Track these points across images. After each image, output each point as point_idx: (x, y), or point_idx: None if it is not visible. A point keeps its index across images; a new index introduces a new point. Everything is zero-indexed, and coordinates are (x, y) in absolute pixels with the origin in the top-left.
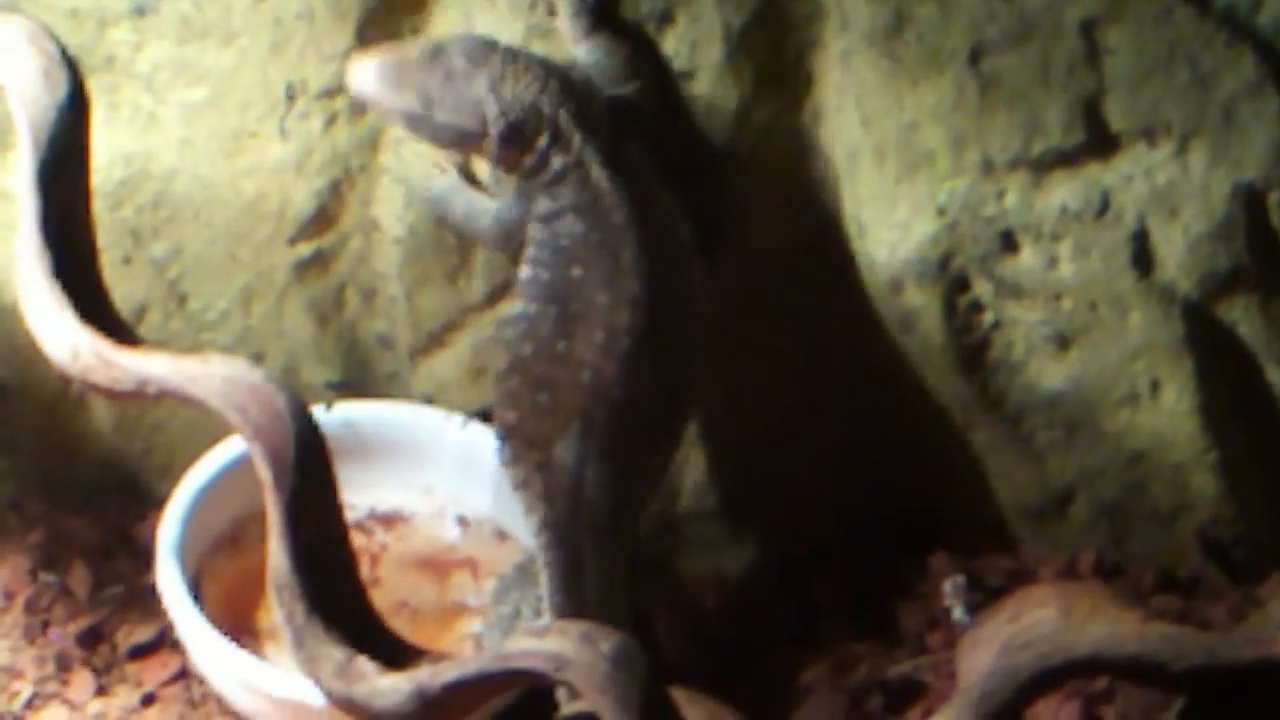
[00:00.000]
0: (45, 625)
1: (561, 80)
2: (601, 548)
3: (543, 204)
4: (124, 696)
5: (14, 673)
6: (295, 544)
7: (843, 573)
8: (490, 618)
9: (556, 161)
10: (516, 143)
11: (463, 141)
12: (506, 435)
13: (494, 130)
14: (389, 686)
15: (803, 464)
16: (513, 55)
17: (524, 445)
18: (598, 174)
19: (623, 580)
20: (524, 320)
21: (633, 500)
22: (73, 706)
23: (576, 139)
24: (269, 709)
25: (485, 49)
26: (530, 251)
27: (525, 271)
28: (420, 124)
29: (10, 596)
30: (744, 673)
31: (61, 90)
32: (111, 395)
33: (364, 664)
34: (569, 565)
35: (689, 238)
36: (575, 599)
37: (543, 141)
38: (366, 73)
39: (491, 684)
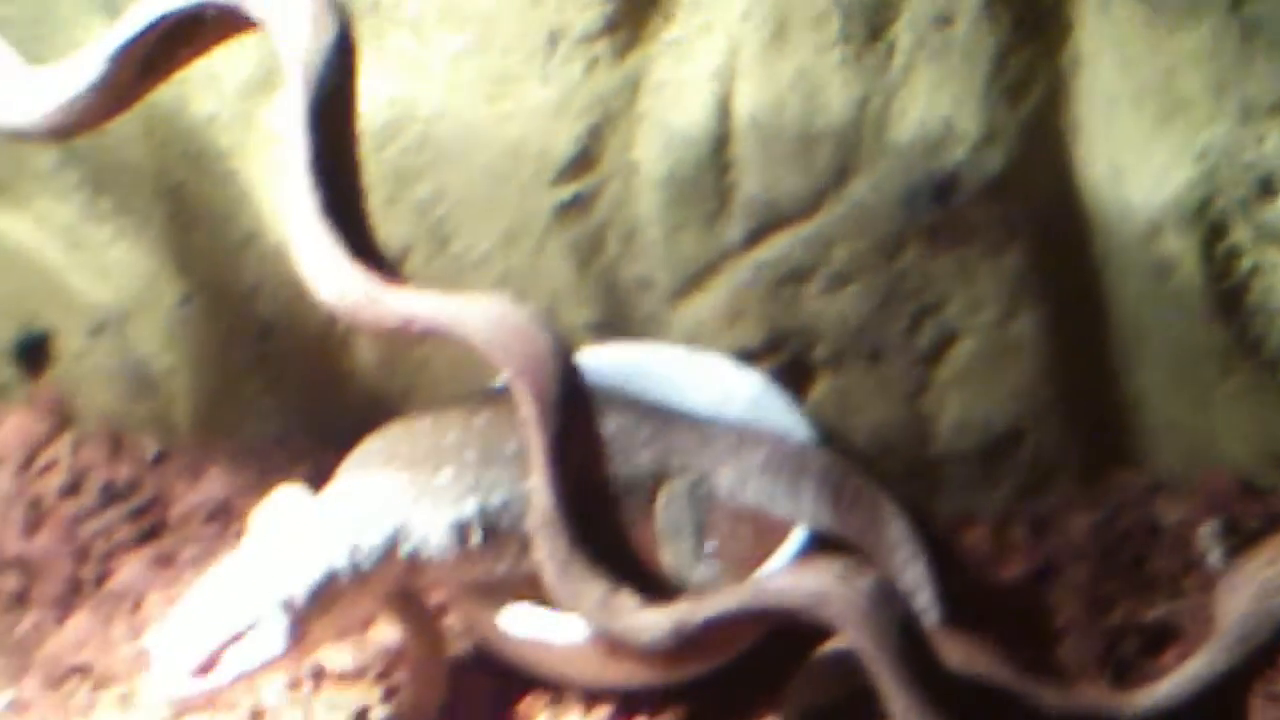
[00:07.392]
0: None
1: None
2: None
3: None
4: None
5: None
6: (559, 481)
7: (1095, 516)
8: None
9: None
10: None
11: None
12: None
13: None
14: (650, 621)
15: (1053, 409)
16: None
17: None
18: None
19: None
20: None
21: None
22: None
23: None
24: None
25: None
26: None
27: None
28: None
29: None
30: (997, 612)
31: (330, 32)
32: (377, 333)
33: (627, 598)
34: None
35: None
36: None
37: None
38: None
39: (749, 620)
